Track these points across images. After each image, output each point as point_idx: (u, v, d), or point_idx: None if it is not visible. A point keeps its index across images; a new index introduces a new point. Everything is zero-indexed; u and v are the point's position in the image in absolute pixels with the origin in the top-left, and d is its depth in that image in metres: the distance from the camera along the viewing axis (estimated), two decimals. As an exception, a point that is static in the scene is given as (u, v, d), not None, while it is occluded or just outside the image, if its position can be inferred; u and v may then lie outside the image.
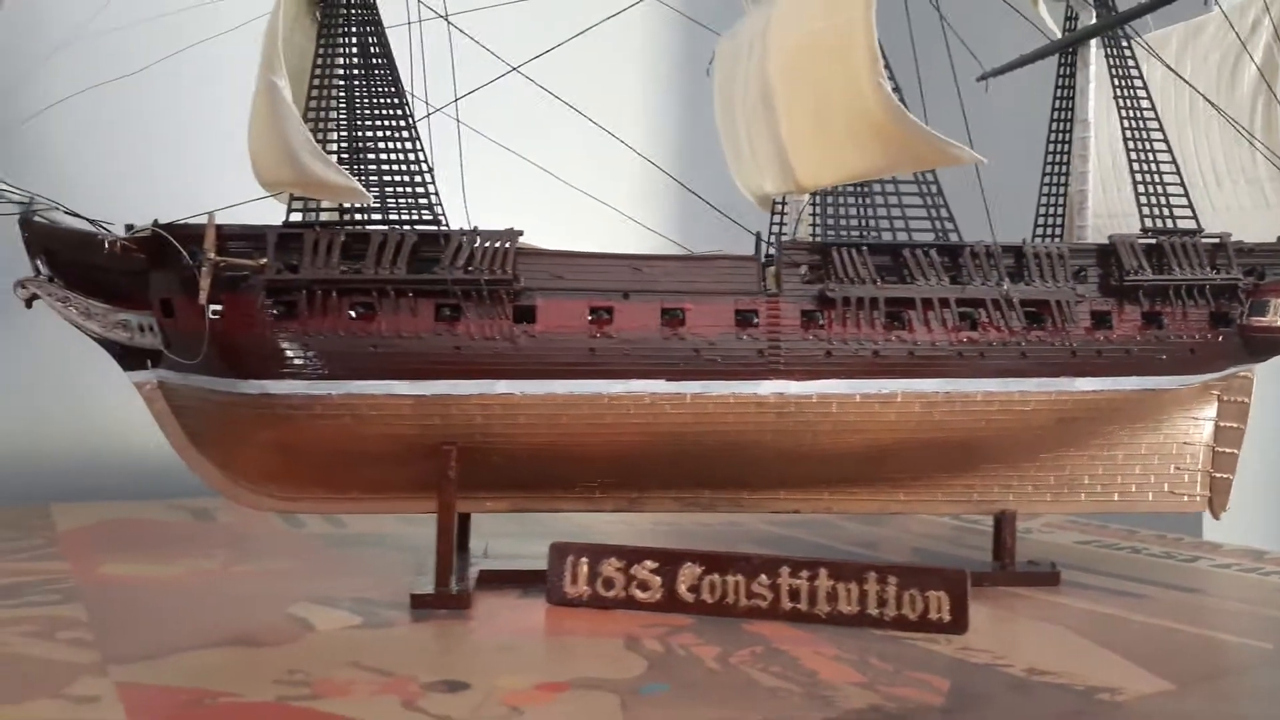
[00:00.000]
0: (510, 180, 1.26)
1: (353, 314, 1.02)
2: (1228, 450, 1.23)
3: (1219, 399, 1.22)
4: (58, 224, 1.12)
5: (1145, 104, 1.17)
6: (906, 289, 1.06)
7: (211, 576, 1.15)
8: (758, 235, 1.13)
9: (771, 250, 1.20)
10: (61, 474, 1.72)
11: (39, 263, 1.12)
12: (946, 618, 0.99)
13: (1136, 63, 1.19)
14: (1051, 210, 1.27)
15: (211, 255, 1.00)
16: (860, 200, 1.10)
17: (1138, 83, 1.18)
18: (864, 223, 1.10)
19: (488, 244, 1.03)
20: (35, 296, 1.13)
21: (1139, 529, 1.55)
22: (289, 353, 1.02)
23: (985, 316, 1.08)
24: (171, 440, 1.15)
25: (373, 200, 1.01)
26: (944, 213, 1.09)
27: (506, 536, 1.28)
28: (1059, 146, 1.27)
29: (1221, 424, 1.22)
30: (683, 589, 1.03)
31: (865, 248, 1.07)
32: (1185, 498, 1.23)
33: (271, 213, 1.09)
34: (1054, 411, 1.12)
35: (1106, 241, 1.12)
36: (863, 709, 0.76)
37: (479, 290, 1.02)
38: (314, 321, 1.02)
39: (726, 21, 1.30)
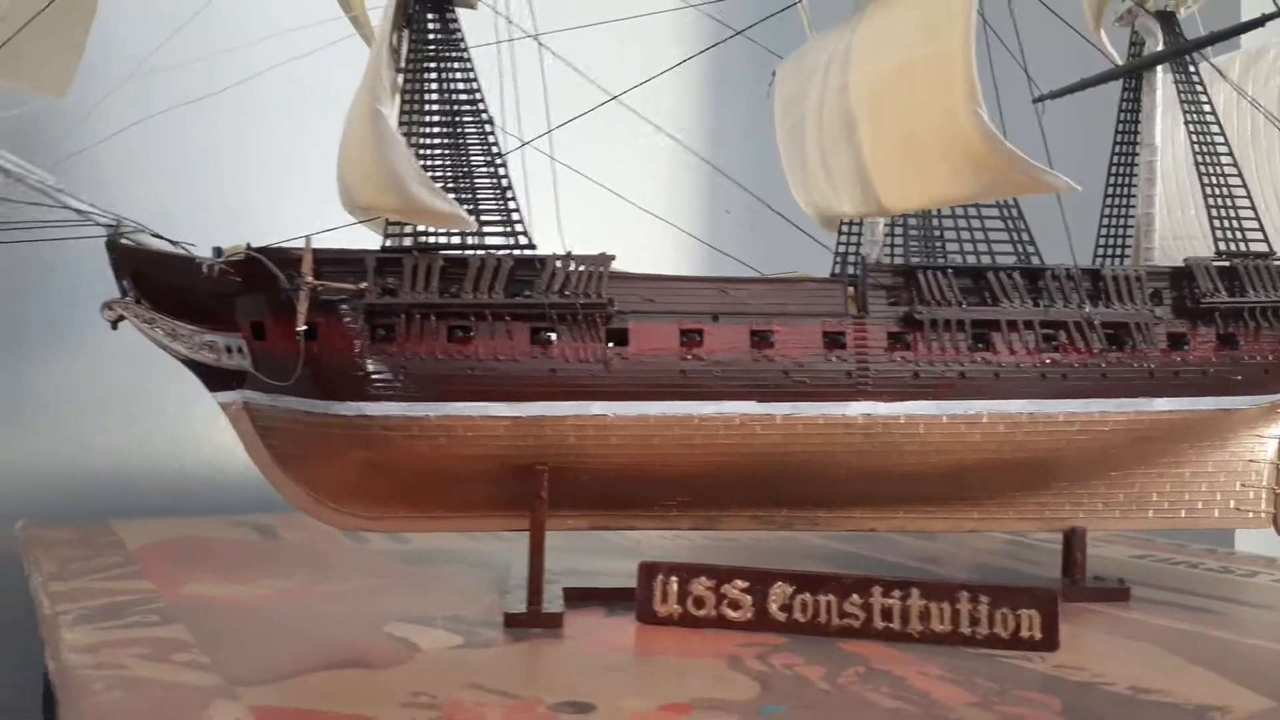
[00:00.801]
0: (572, 199, 1.27)
1: (449, 337, 1.03)
2: (1294, 468, 1.25)
3: (1285, 419, 1.24)
4: (144, 246, 1.13)
5: (1214, 127, 1.19)
6: (992, 311, 1.08)
7: (297, 596, 1.16)
8: (841, 257, 1.15)
9: (838, 270, 1.23)
10: (114, 490, 1.73)
11: (125, 284, 1.13)
12: (1038, 635, 1.01)
13: (1204, 86, 1.21)
14: (1113, 232, 1.29)
15: (309, 279, 1.02)
16: (940, 222, 1.12)
17: (1206, 106, 1.20)
18: (943, 245, 1.12)
19: (581, 268, 1.04)
20: (121, 318, 1.14)
21: (1186, 543, 1.57)
22: (387, 375, 1.03)
23: (1067, 338, 1.10)
24: (256, 460, 1.16)
25: (474, 225, 1.02)
26: (1025, 235, 1.10)
27: (566, 552, 1.28)
28: (1122, 169, 1.29)
29: (1289, 443, 1.24)
30: (774, 608, 1.04)
31: (950, 270, 1.09)
32: (1250, 514, 1.25)
33: (342, 238, 1.10)
34: (1131, 431, 1.14)
35: (1181, 264, 1.15)
36: (986, 729, 0.78)
37: (574, 314, 1.03)
38: (412, 344, 1.03)
39: (780, 44, 1.32)
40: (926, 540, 1.52)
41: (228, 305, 1.11)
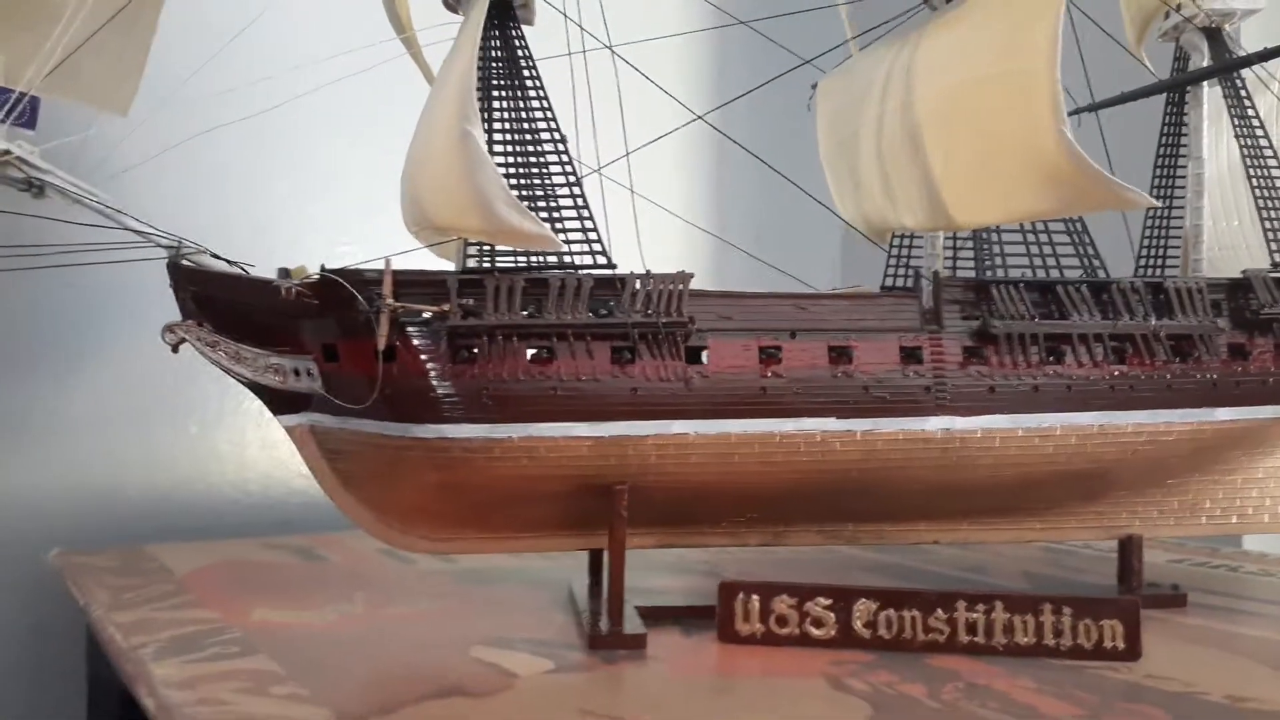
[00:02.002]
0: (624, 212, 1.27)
1: (531, 357, 1.03)
2: (1335, 472, 1.27)
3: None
4: (207, 268, 1.11)
5: (1264, 139, 1.21)
6: (1064, 325, 1.09)
7: (366, 621, 1.14)
8: (917, 271, 1.15)
9: (890, 282, 1.24)
10: (143, 514, 1.69)
11: (188, 306, 1.11)
12: (1121, 645, 1.02)
13: (1250, 98, 1.24)
14: (1155, 244, 1.31)
15: (391, 300, 1.00)
16: (1000, 236, 1.13)
17: (1255, 119, 1.22)
18: (999, 258, 1.13)
19: (662, 287, 1.04)
20: (183, 341, 1.12)
21: (1219, 546, 1.59)
22: (469, 397, 1.02)
23: (1134, 350, 1.11)
24: (323, 483, 1.14)
25: (563, 246, 1.02)
26: (1091, 249, 1.12)
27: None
28: (1166, 181, 1.31)
29: (1330, 447, 1.27)
30: (858, 625, 1.05)
31: (1022, 284, 1.10)
32: (1298, 518, 1.27)
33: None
34: (1194, 441, 1.15)
35: (1239, 276, 1.17)
36: (1108, 743, 0.78)
37: (656, 333, 1.03)
38: (494, 366, 1.02)
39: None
40: (964, 550, 1.53)
41: (292, 327, 1.09)
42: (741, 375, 1.05)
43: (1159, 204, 0.98)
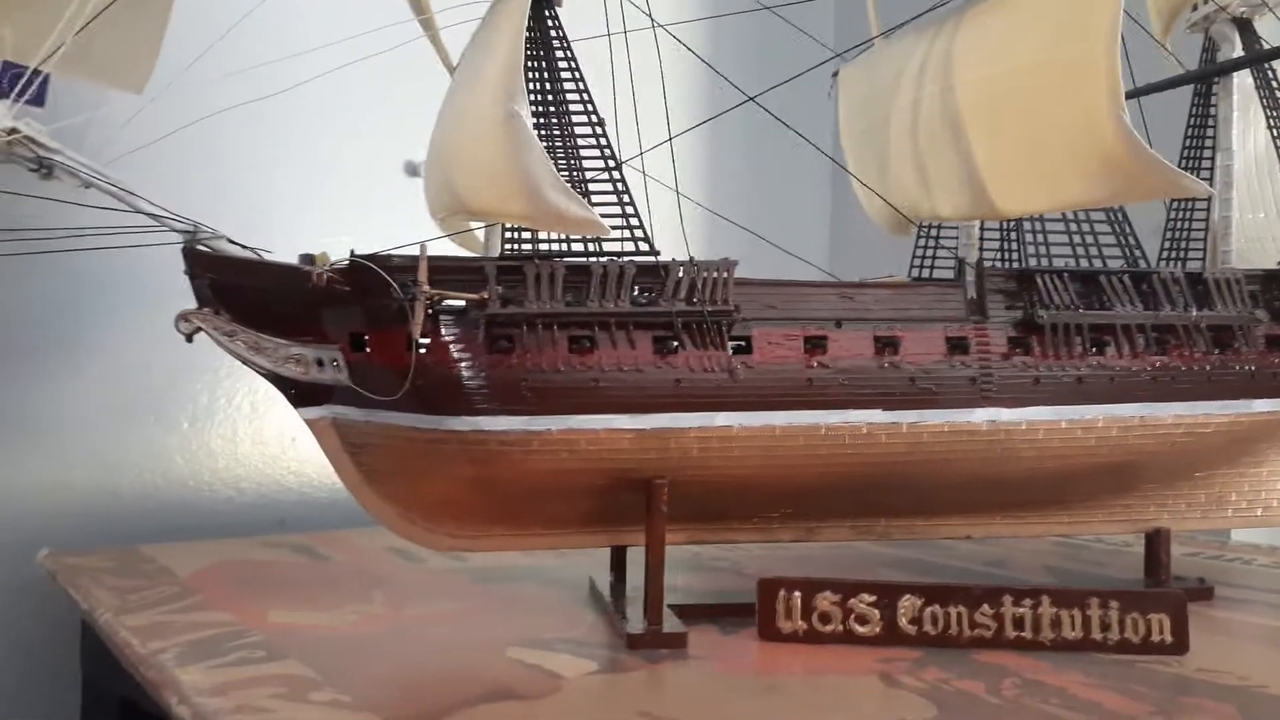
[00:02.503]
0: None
1: (571, 347, 0.99)
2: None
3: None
4: (225, 253, 1.06)
5: (1296, 129, 1.21)
6: (1107, 315, 1.08)
7: (390, 622, 1.10)
8: (961, 261, 1.13)
9: (918, 273, 1.22)
10: (134, 513, 1.63)
11: (204, 293, 1.06)
12: (1169, 639, 1.00)
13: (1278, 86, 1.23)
14: (1180, 235, 1.31)
15: (426, 288, 0.96)
16: (1042, 226, 1.11)
17: None
18: (1020, 247, 1.11)
19: (706, 274, 1.01)
20: (198, 330, 1.07)
21: (1222, 539, 1.60)
22: (506, 388, 0.98)
23: (1175, 341, 1.10)
24: (344, 478, 1.10)
25: (610, 232, 0.98)
26: (1132, 239, 1.11)
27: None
28: (1192, 172, 1.30)
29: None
30: (904, 621, 1.02)
31: (1066, 274, 1.08)
32: (1319, 511, 1.27)
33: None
34: (1230, 432, 1.15)
35: (1275, 267, 1.16)
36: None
37: (701, 322, 1.00)
38: (532, 355, 0.98)
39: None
40: (980, 545, 1.52)
41: (316, 315, 1.05)
42: (787, 366, 1.02)
43: (1213, 191, 0.96)
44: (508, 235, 1.05)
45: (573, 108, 1.04)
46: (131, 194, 1.03)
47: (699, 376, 1.00)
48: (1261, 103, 1.22)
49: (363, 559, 1.41)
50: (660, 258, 1.01)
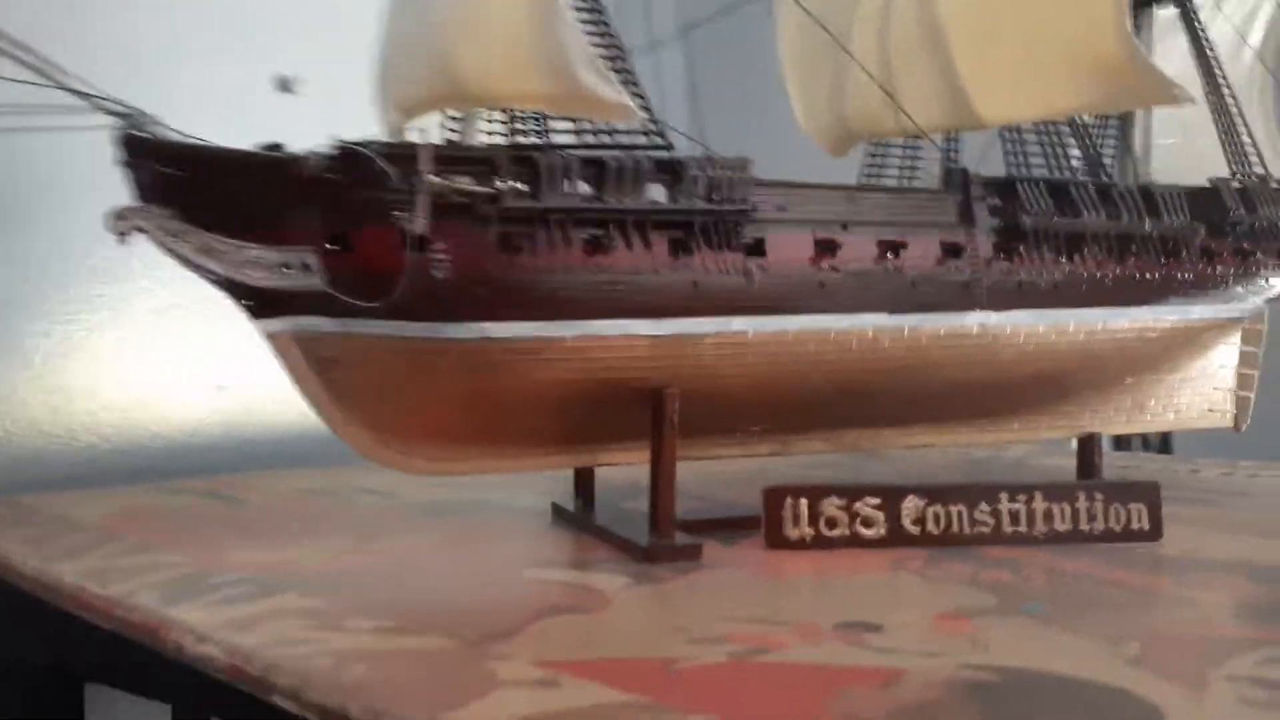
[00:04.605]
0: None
1: (586, 248, 0.92)
2: (1248, 372, 1.39)
3: (1243, 327, 1.38)
4: (172, 140, 0.92)
5: (1215, 61, 1.29)
6: (1080, 224, 1.12)
7: (375, 556, 1.00)
8: (949, 168, 1.14)
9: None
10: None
11: (146, 187, 0.91)
12: (1146, 526, 1.06)
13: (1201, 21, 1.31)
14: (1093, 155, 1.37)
15: (432, 178, 0.87)
16: (1019, 135, 1.14)
17: (1207, 40, 1.30)
18: (1019, 159, 1.14)
19: (722, 173, 0.96)
20: (136, 229, 0.92)
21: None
22: (519, 291, 0.91)
23: (1133, 250, 1.16)
24: (309, 397, 0.98)
25: (641, 119, 0.91)
26: (1095, 151, 1.15)
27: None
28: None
29: (1244, 349, 1.39)
30: (907, 522, 1.03)
31: (1043, 183, 1.11)
32: (1219, 415, 1.38)
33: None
34: (1170, 337, 1.22)
35: (1208, 184, 1.24)
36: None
37: (719, 222, 0.95)
38: (547, 255, 0.91)
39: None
40: (899, 459, 1.55)
41: (278, 214, 0.93)
42: (800, 269, 0.99)
43: (1196, 100, 1.01)
44: (487, 129, 0.97)
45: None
46: (58, 68, 0.87)
47: (715, 279, 0.96)
48: (1185, 33, 1.29)
49: (282, 501, 1.29)
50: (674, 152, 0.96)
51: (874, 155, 1.29)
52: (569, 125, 0.95)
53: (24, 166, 1.38)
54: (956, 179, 1.11)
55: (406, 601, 0.83)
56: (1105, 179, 1.17)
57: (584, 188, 0.92)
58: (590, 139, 0.95)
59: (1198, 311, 1.23)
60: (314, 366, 0.97)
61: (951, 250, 1.07)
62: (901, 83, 1.16)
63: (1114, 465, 1.48)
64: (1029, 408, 1.24)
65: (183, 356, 1.61)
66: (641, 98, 0.95)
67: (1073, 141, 1.15)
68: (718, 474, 1.22)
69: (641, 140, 0.95)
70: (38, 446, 1.49)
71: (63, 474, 1.48)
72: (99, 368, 1.55)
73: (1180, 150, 1.36)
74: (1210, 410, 1.37)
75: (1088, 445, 1.29)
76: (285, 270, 0.93)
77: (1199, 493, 1.34)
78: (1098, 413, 1.29)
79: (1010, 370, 1.13)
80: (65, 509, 1.19)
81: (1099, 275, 1.14)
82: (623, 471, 1.05)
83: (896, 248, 1.04)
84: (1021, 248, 1.10)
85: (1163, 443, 1.92)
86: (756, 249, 0.99)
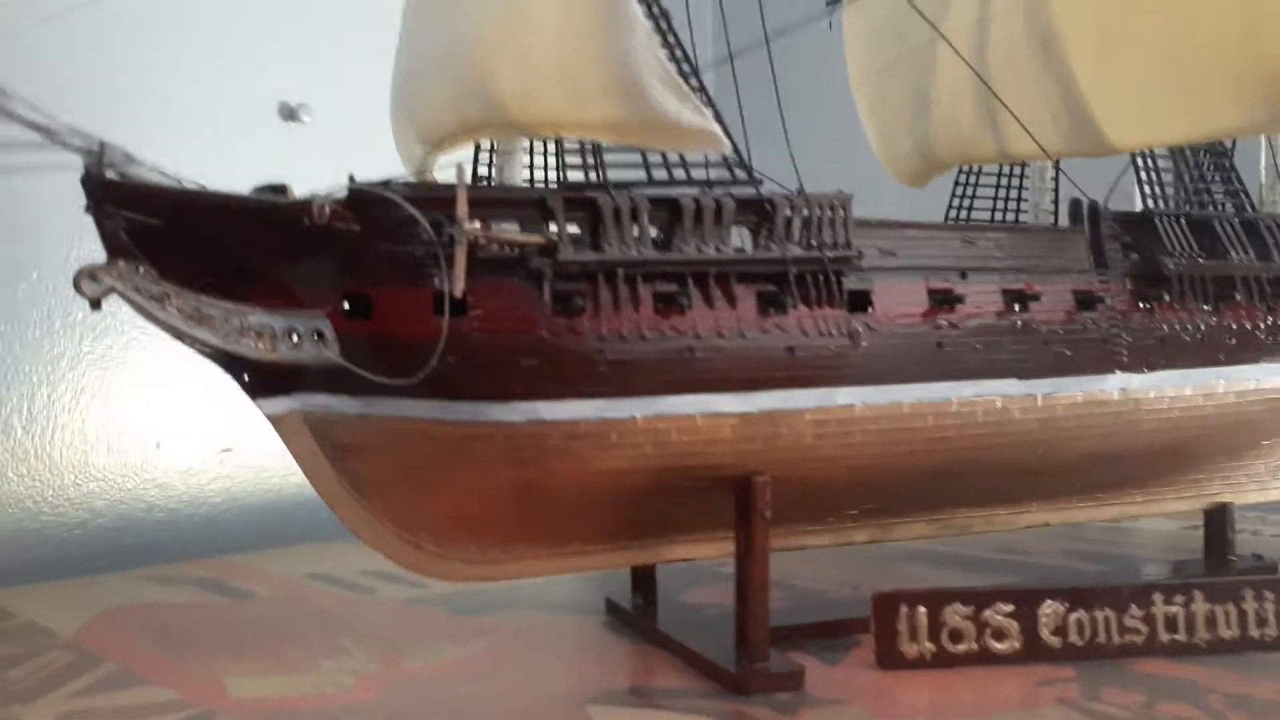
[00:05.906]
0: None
1: (657, 307, 0.75)
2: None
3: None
4: (149, 182, 0.75)
5: None
6: (1229, 266, 0.94)
7: (397, 682, 0.83)
8: (1074, 201, 0.96)
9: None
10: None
11: (119, 240, 0.75)
12: (1326, 632, 0.88)
13: None
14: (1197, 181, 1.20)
15: (470, 226, 0.70)
16: (1154, 162, 0.97)
17: None
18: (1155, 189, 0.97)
19: (820, 212, 0.79)
20: (110, 293, 0.75)
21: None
22: (577, 362, 0.74)
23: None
24: (323, 490, 0.81)
25: (729, 147, 0.74)
26: (1239, 183, 0.98)
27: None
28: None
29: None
30: (1045, 633, 0.86)
31: (1183, 219, 0.94)
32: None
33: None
34: (1323, 396, 1.04)
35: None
36: None
37: (819, 272, 0.78)
38: (611, 319, 0.74)
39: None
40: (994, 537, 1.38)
41: (283, 271, 0.76)
42: (914, 327, 0.82)
43: None
44: (531, 163, 0.81)
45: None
46: (20, 99, 0.71)
47: (815, 342, 0.79)
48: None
49: (293, 593, 1.12)
50: (762, 189, 0.79)
51: (964, 185, 1.12)
52: (633, 158, 0.78)
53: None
54: (1084, 214, 0.94)
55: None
56: (1250, 210, 1.00)
57: (654, 234, 0.75)
58: (658, 174, 0.78)
59: (1354, 366, 1.05)
60: (329, 455, 0.80)
61: (1085, 300, 0.89)
62: (997, 106, 1.00)
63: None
64: (1155, 479, 1.06)
65: (182, 418, 1.44)
66: (722, 122, 0.78)
67: (1213, 167, 0.98)
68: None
69: (722, 174, 0.78)
70: (19, 525, 1.32)
71: (50, 554, 1.31)
72: (88, 434, 1.39)
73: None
74: (1349, 477, 1.19)
75: (1218, 518, 1.11)
76: (291, 339, 0.76)
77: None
78: (1229, 480, 1.12)
79: (1150, 439, 0.96)
80: (41, 612, 1.01)
81: (1249, 325, 0.97)
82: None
83: (1025, 299, 0.87)
84: (1165, 295, 0.92)
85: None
86: (860, 303, 0.81)
